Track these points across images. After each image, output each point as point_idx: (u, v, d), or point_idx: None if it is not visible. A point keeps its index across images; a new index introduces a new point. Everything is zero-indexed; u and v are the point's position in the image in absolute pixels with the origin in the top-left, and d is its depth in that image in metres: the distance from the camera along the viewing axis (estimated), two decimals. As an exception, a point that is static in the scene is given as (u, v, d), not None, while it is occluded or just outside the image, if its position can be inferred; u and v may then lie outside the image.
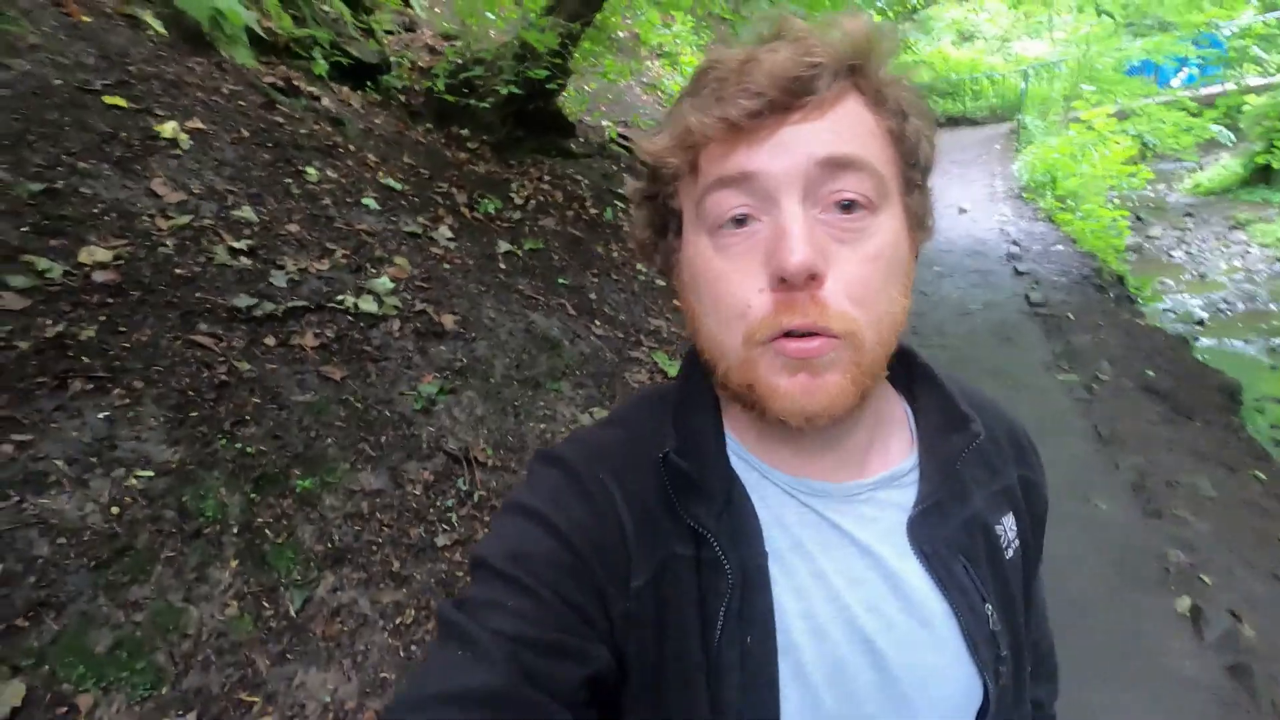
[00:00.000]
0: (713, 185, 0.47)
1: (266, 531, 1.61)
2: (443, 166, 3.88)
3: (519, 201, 4.02)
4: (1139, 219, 9.86)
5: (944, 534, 0.54)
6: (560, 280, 3.35)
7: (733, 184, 0.46)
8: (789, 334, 0.45)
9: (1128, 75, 11.24)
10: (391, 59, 4.60)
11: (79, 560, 1.34)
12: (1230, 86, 11.05)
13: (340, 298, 2.29)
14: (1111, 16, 10.53)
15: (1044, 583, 0.66)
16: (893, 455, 0.56)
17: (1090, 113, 9.20)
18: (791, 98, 0.45)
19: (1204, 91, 11.38)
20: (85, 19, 2.85)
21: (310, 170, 2.85)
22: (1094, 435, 3.51)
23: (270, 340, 2.02)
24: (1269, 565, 2.65)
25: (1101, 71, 10.99)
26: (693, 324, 0.52)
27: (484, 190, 3.85)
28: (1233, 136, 10.66)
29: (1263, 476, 3.42)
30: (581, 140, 5.54)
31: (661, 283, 3.97)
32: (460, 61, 4.56)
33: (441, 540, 1.88)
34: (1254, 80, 10.98)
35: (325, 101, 3.64)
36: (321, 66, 3.85)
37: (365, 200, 2.92)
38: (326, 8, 4.24)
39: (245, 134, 2.84)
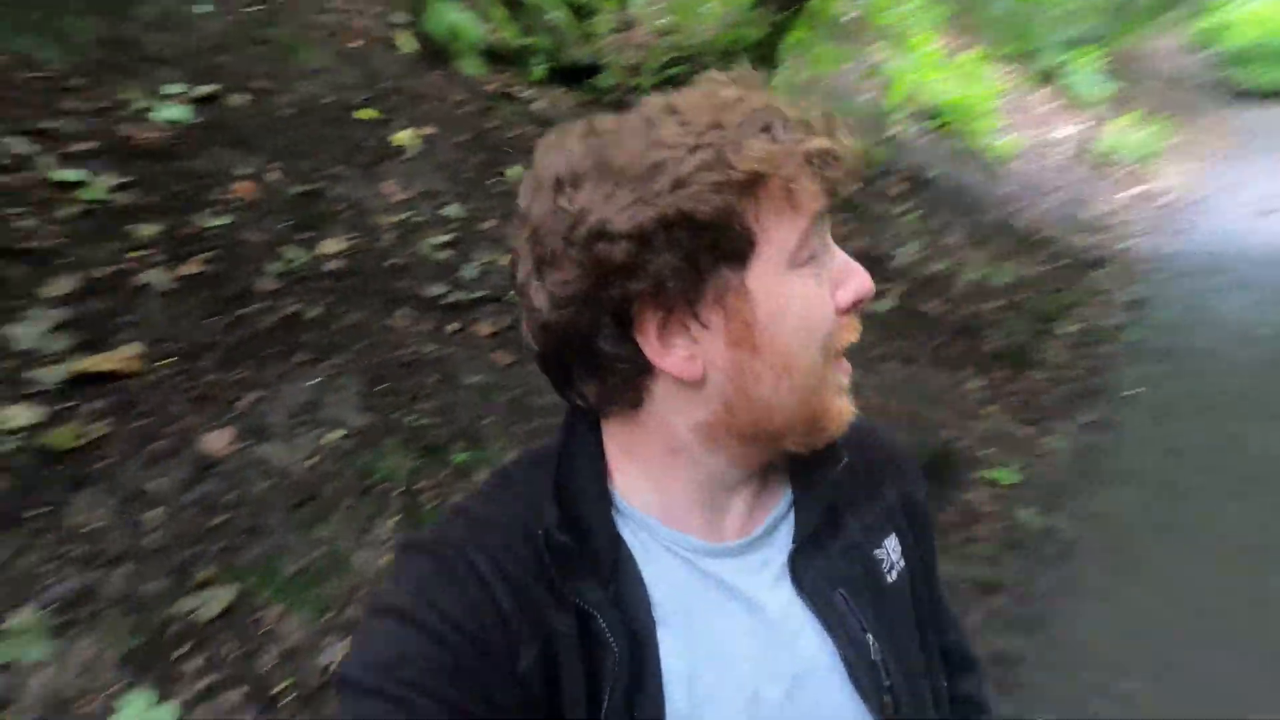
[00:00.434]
0: (817, 216, 0.49)
1: (425, 495, 1.85)
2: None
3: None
4: None
5: (822, 567, 0.55)
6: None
7: (824, 216, 0.50)
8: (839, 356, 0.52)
9: None
10: (603, 60, 4.88)
11: (281, 499, 1.66)
12: None
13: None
14: None
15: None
16: (776, 495, 0.58)
17: None
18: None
19: None
20: (354, 44, 3.42)
21: (512, 170, 3.15)
22: None
23: (454, 326, 2.29)
24: None
25: None
26: (768, 369, 0.49)
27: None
28: None
29: None
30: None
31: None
32: (666, 59, 4.69)
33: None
34: None
35: (537, 104, 3.97)
36: (539, 72, 4.21)
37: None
38: (550, 17, 4.61)
39: (463, 138, 3.21)
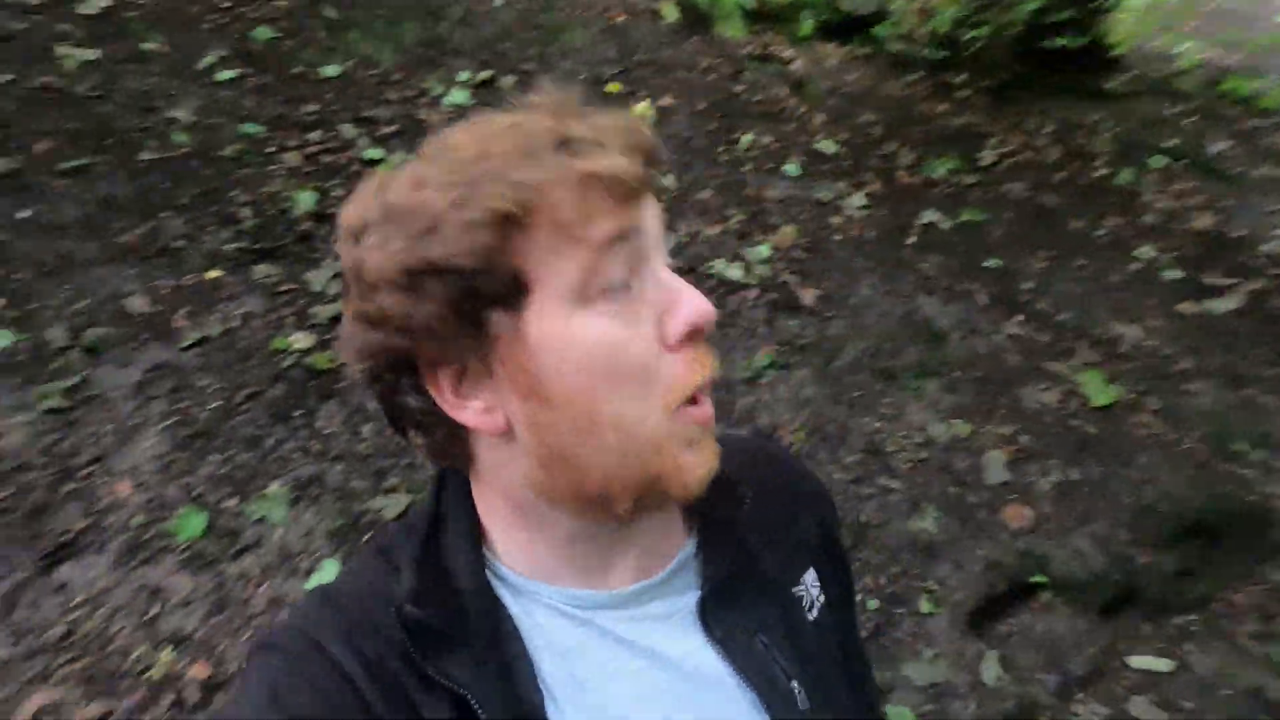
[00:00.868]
0: (607, 244, 0.42)
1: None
2: (905, 122, 3.63)
3: (987, 161, 3.47)
4: None
5: (736, 613, 0.51)
6: (987, 262, 2.84)
7: (624, 240, 0.43)
8: (692, 400, 0.45)
9: None
10: (891, 7, 4.40)
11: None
12: None
13: (712, 263, 2.51)
14: None
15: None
16: (676, 539, 0.53)
17: None
18: (655, 169, 0.45)
19: None
20: (618, 19, 3.64)
21: (745, 138, 3.10)
22: None
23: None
24: None
25: None
26: (566, 422, 0.44)
27: (944, 148, 3.46)
28: None
29: None
30: (1127, 75, 4.29)
31: (1172, 276, 2.92)
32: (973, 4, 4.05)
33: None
34: None
35: (797, 64, 3.79)
36: (806, 28, 3.99)
37: (786, 166, 3.01)
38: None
39: (701, 106, 3.24)
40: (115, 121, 2.58)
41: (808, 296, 2.49)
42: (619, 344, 0.43)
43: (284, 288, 2.21)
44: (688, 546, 0.53)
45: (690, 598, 0.51)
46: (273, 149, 2.63)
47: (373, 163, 2.65)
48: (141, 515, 1.73)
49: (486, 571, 0.49)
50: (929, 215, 2.99)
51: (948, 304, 2.62)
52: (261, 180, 2.51)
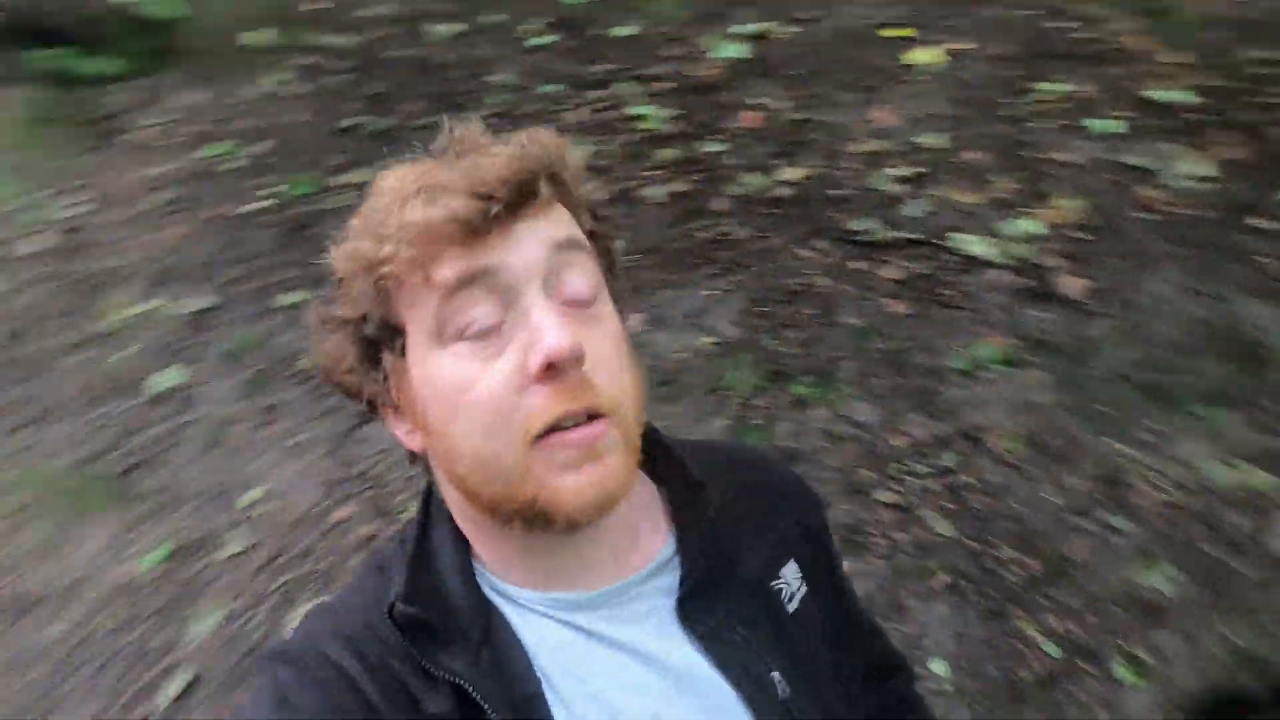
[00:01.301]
0: (455, 287, 0.45)
1: (756, 412, 2.08)
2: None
3: None
4: None
5: (718, 610, 0.53)
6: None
7: (473, 282, 0.45)
8: (560, 428, 0.45)
9: None
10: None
11: (652, 377, 2.18)
12: None
13: (954, 235, 2.25)
14: None
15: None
16: (655, 540, 0.55)
17: None
18: (520, 199, 0.46)
19: None
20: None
21: (1044, 86, 2.62)
22: None
23: (858, 264, 2.28)
24: None
25: None
26: (443, 448, 0.49)
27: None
28: None
29: None
30: None
31: None
32: None
33: (881, 495, 1.90)
34: None
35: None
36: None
37: (1095, 122, 2.49)
38: None
39: (1002, 50, 2.81)
40: (456, 85, 3.23)
41: (1073, 287, 2.10)
42: (467, 382, 0.45)
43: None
44: (668, 546, 0.55)
45: (670, 596, 0.53)
46: (557, 109, 3.04)
47: (638, 118, 2.90)
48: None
49: (475, 575, 0.52)
50: (1306, 192, 2.22)
51: (1294, 314, 1.97)
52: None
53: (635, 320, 2.30)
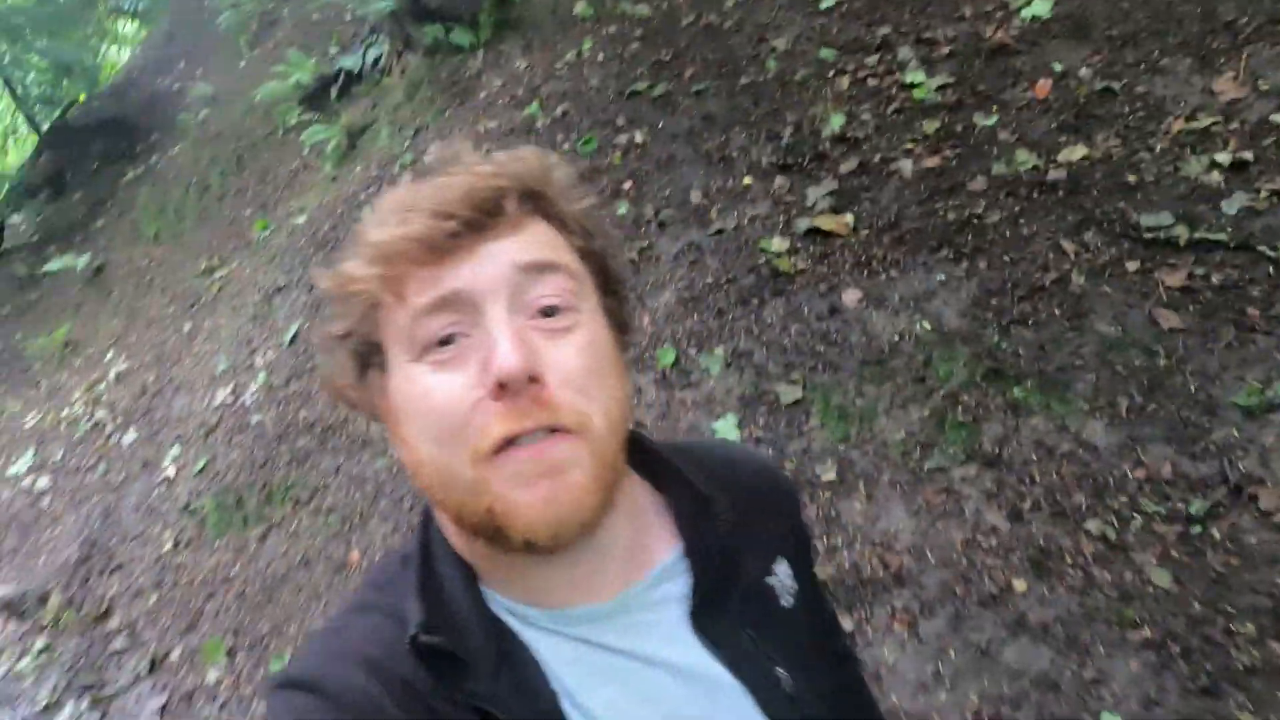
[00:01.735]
0: (422, 311, 0.46)
1: (959, 408, 1.97)
2: None
3: None
4: None
5: (726, 616, 0.54)
6: None
7: (441, 305, 0.46)
8: (517, 443, 0.44)
9: None
10: None
11: (857, 354, 2.17)
12: None
13: (1281, 243, 1.81)
14: None
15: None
16: (659, 549, 0.55)
17: None
18: (485, 217, 0.47)
19: None
20: None
21: None
22: None
23: (1132, 265, 1.96)
24: None
25: None
26: (414, 461, 0.49)
27: None
28: None
29: None
30: None
31: None
32: None
33: (1091, 525, 1.70)
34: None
35: None
36: None
37: None
38: None
39: None
40: (736, 50, 3.37)
41: None
42: (424, 392, 0.46)
43: (787, 199, 2.68)
44: (673, 553, 0.55)
45: (676, 603, 0.53)
46: (831, 74, 3.01)
47: (909, 87, 2.76)
48: (646, 342, 2.60)
49: (484, 598, 0.51)
50: None
51: None
52: (812, 102, 2.95)
53: (851, 296, 2.29)
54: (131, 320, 5.23)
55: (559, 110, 3.62)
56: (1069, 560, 1.68)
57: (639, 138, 3.23)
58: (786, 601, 0.58)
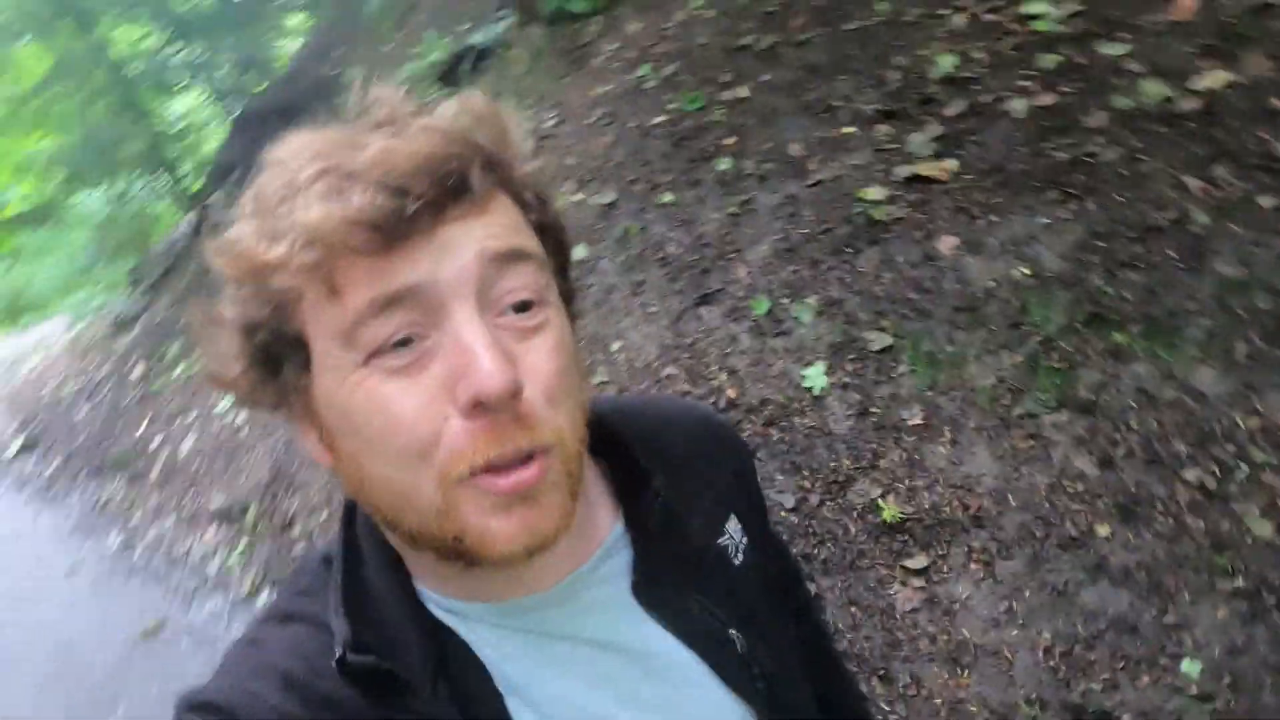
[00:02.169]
0: (367, 311, 0.38)
1: (1054, 355, 1.92)
2: None
3: None
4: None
5: (671, 583, 0.52)
6: None
7: (393, 303, 0.38)
8: (494, 468, 0.39)
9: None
10: None
11: (949, 301, 2.15)
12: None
13: None
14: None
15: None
16: (601, 526, 0.52)
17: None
18: (447, 195, 0.38)
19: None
20: None
21: None
22: None
23: (1266, 200, 1.79)
24: None
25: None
26: (352, 474, 0.42)
27: None
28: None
29: None
30: None
31: None
32: None
33: (1189, 473, 1.63)
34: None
35: None
36: None
37: None
38: None
39: None
40: (845, -3, 3.29)
41: None
42: (379, 406, 0.39)
43: (888, 146, 2.64)
44: (616, 527, 0.52)
45: (623, 577, 0.51)
46: (947, 11, 2.87)
47: (1030, 18, 2.59)
48: (742, 291, 2.70)
49: (419, 599, 0.47)
50: None
51: None
52: (923, 44, 2.85)
53: (947, 243, 2.26)
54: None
55: (668, 70, 3.72)
56: (1160, 508, 1.63)
57: (742, 92, 3.27)
58: (737, 559, 0.56)
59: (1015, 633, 1.69)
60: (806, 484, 2.19)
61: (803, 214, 2.71)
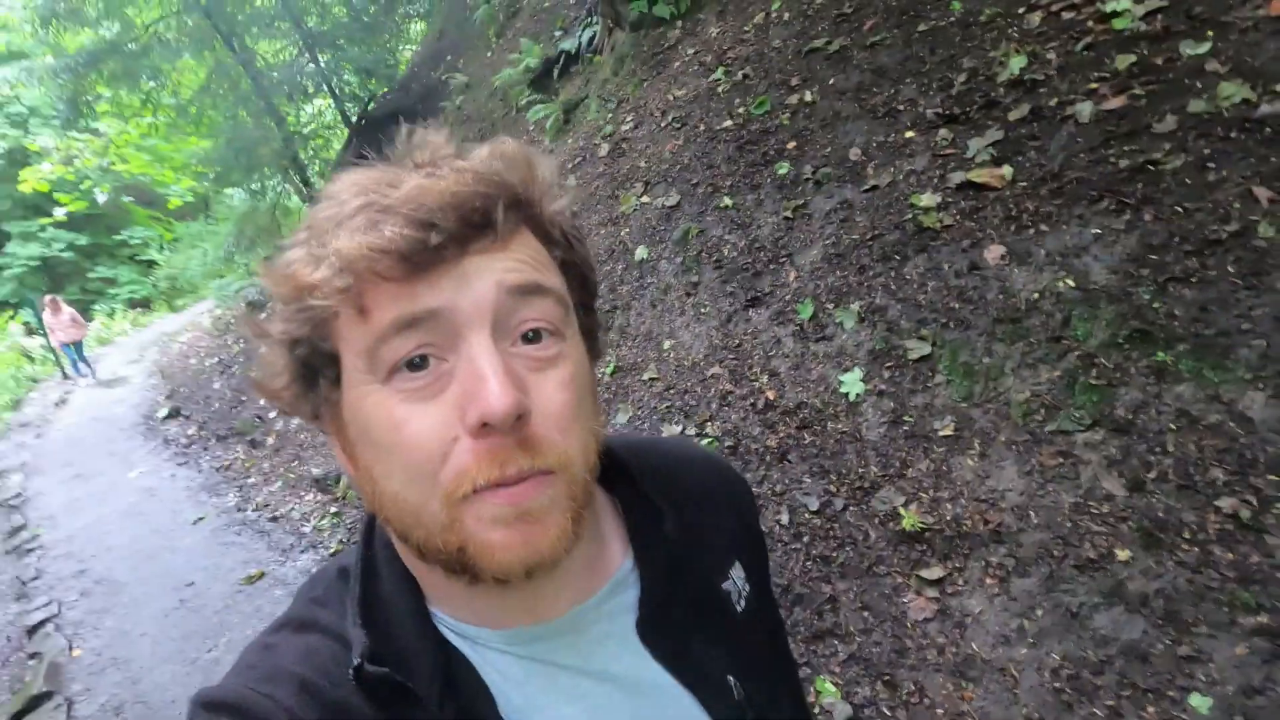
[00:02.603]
0: (389, 330, 0.41)
1: (1095, 374, 1.85)
2: None
3: None
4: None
5: (674, 623, 0.53)
6: None
7: (414, 325, 0.41)
8: (495, 486, 0.41)
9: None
10: None
11: (990, 310, 2.10)
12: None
13: None
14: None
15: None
16: (612, 560, 0.54)
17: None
18: (471, 230, 0.42)
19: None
20: None
21: None
22: None
23: (1342, 214, 1.65)
24: None
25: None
26: (368, 486, 0.45)
27: None
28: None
29: None
30: None
31: None
32: None
33: (1223, 502, 1.55)
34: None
35: None
36: None
37: None
38: None
39: None
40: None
41: None
42: (395, 424, 0.41)
43: (947, 151, 2.59)
44: (625, 562, 0.53)
45: (628, 614, 0.52)
46: (1022, 9, 2.77)
47: (1112, 16, 2.46)
48: (790, 295, 2.73)
49: (431, 619, 0.48)
50: None
51: None
52: (994, 44, 2.76)
53: (993, 253, 2.21)
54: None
55: (740, 74, 3.77)
56: (1187, 535, 1.56)
57: (809, 96, 3.28)
58: (740, 606, 0.57)
59: (1024, 651, 1.66)
60: (833, 488, 2.21)
61: (855, 219, 2.71)
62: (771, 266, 2.89)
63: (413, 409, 0.41)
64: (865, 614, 1.94)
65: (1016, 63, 2.59)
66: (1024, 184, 2.26)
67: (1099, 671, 1.54)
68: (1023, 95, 2.50)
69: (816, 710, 1.82)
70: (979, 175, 2.39)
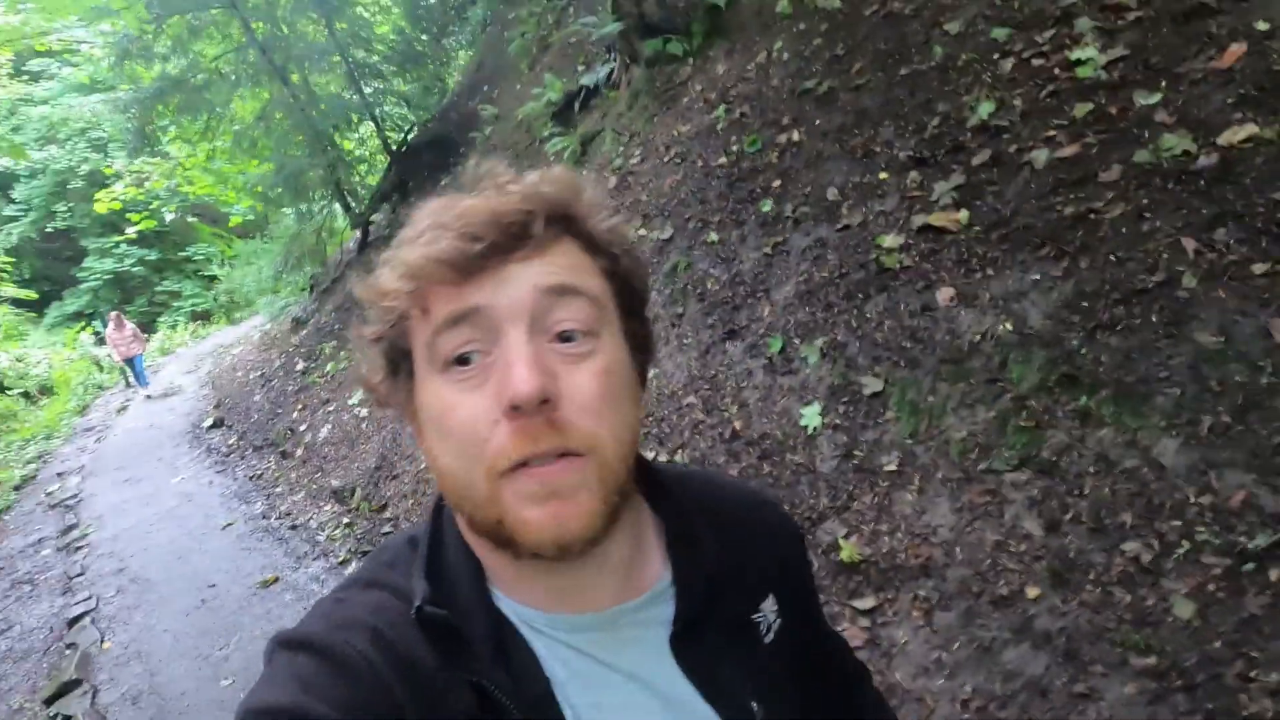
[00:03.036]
0: (442, 325, 0.48)
1: (1027, 417, 1.92)
2: None
3: None
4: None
5: (706, 645, 0.56)
6: None
7: (461, 320, 0.48)
8: (529, 463, 0.46)
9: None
10: None
11: (938, 353, 2.18)
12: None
13: None
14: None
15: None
16: (652, 573, 0.57)
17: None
18: (512, 240, 0.48)
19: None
20: None
21: None
22: None
23: (1260, 268, 1.69)
24: None
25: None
26: (435, 466, 0.51)
27: None
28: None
29: None
30: None
31: None
32: None
33: (1129, 546, 1.60)
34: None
35: None
36: None
37: None
38: None
39: None
40: (909, 38, 3.31)
41: None
42: (447, 409, 0.48)
43: (915, 193, 2.68)
44: (664, 578, 0.57)
45: (662, 626, 0.55)
46: (996, 55, 2.85)
47: (1076, 64, 2.53)
48: (764, 329, 2.85)
49: (489, 593, 0.53)
50: None
51: None
52: (968, 89, 2.84)
53: (944, 294, 2.29)
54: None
55: (739, 112, 3.91)
56: (1093, 576, 1.62)
57: (796, 135, 3.40)
58: (769, 637, 0.60)
59: (940, 682, 1.73)
60: (785, 517, 2.31)
61: (827, 257, 2.81)
62: (749, 301, 3.01)
63: (462, 396, 0.47)
64: (802, 640, 2.03)
65: (985, 108, 2.67)
66: (978, 228, 2.34)
67: (1004, 705, 1.61)
68: (987, 140, 2.58)
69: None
70: (937, 219, 2.47)
